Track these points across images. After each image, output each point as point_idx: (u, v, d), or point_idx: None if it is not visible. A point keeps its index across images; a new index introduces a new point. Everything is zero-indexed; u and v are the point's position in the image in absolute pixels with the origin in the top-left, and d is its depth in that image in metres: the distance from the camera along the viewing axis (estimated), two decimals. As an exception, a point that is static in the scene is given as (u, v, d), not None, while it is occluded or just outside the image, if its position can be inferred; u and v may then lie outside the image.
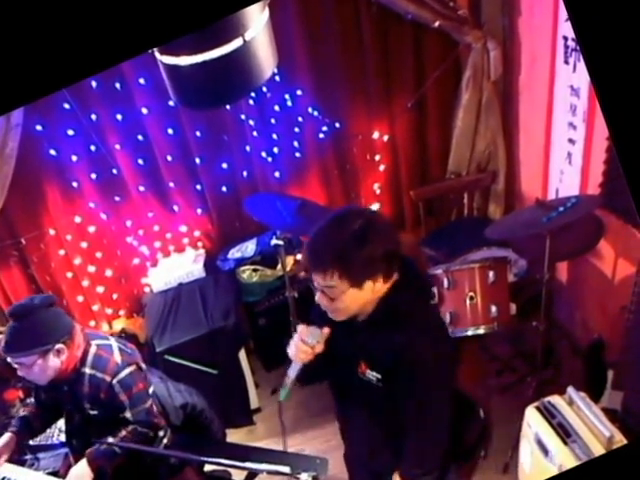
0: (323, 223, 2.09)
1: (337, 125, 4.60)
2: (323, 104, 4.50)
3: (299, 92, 4.43)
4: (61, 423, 3.35)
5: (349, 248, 2.00)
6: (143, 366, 3.08)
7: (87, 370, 2.89)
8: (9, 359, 2.81)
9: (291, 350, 2.26)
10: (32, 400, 3.34)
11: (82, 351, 2.90)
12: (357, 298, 2.10)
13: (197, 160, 4.46)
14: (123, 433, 2.91)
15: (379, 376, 2.23)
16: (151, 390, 3.09)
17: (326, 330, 2.22)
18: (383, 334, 2.19)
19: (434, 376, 2.19)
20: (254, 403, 4.48)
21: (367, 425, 2.45)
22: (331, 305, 2.13)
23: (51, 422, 3.31)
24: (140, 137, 4.30)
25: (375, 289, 2.10)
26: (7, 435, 3.05)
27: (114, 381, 2.87)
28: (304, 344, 2.22)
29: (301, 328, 2.25)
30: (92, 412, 2.94)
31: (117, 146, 4.27)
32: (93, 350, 2.93)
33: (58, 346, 2.79)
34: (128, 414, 2.92)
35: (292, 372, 2.28)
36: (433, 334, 2.24)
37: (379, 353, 2.21)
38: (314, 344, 2.22)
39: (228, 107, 4.30)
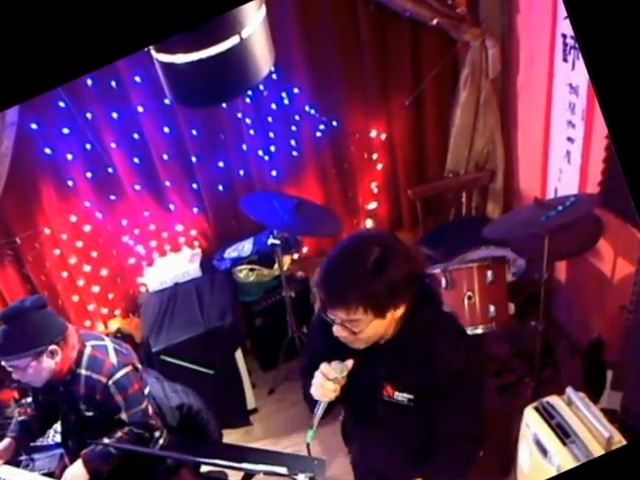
0: (337, 256, 2.02)
1: (334, 123, 4.58)
2: (320, 102, 4.48)
3: (296, 90, 4.41)
4: (56, 424, 3.34)
5: (372, 281, 1.93)
6: (139, 366, 3.07)
7: (82, 371, 2.88)
8: (2, 362, 2.80)
9: (317, 391, 2.16)
10: (27, 401, 3.39)
11: (77, 352, 2.89)
12: (380, 327, 2.05)
13: (193, 159, 4.44)
14: (118, 434, 2.91)
15: (411, 396, 2.17)
16: (147, 391, 3.08)
17: (350, 362, 2.14)
18: (410, 353, 2.15)
19: (471, 385, 2.17)
20: (251, 404, 4.46)
21: (391, 444, 2.40)
22: (353, 337, 2.06)
23: (50, 424, 3.31)
24: (136, 136, 4.27)
25: (396, 315, 2.06)
26: (6, 440, 3.06)
27: (110, 382, 2.86)
28: (331, 382, 2.13)
29: (324, 367, 2.15)
30: (88, 413, 2.94)
31: (113, 145, 4.24)
32: (88, 351, 2.92)
33: (51, 347, 2.78)
34: (124, 415, 2.91)
35: (319, 411, 2.18)
36: (463, 342, 2.23)
37: (410, 373, 2.15)
38: (340, 380, 2.14)
39: (224, 105, 4.28)
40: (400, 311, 2.06)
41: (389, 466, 2.49)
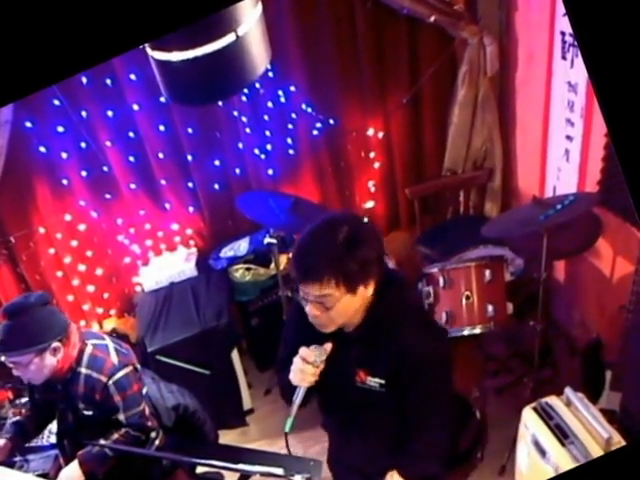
0: (308, 234, 2.10)
1: (331, 122, 4.57)
2: (317, 100, 4.47)
3: (293, 88, 4.40)
4: (51, 425, 3.32)
5: (344, 253, 2.01)
6: (139, 367, 3.07)
7: (83, 370, 2.87)
8: (3, 358, 2.80)
9: (296, 376, 2.21)
10: (22, 402, 3.39)
11: (78, 350, 2.89)
12: (350, 305, 2.11)
13: (189, 157, 4.42)
14: (115, 436, 2.91)
15: (382, 381, 2.23)
16: (144, 391, 3.07)
17: (328, 346, 2.20)
18: (381, 338, 2.20)
19: (440, 371, 2.24)
20: (247, 404, 4.46)
21: (366, 431, 2.43)
22: (324, 315, 2.11)
23: (45, 424, 3.30)
24: (131, 134, 4.25)
25: (365, 294, 2.13)
26: (1, 441, 3.05)
27: (110, 382, 2.85)
28: (310, 366, 2.18)
29: (303, 351, 2.20)
30: (86, 413, 2.93)
31: (108, 143, 4.22)
32: (89, 350, 2.92)
33: (55, 344, 2.77)
34: (121, 416, 2.91)
35: (298, 398, 2.20)
36: (432, 330, 2.32)
37: (380, 358, 2.21)
38: (319, 363, 2.19)
39: (220, 104, 4.26)
40: (370, 290, 2.14)
41: (365, 459, 2.51)
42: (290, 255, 4.63)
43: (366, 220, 2.27)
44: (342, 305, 2.08)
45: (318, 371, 2.19)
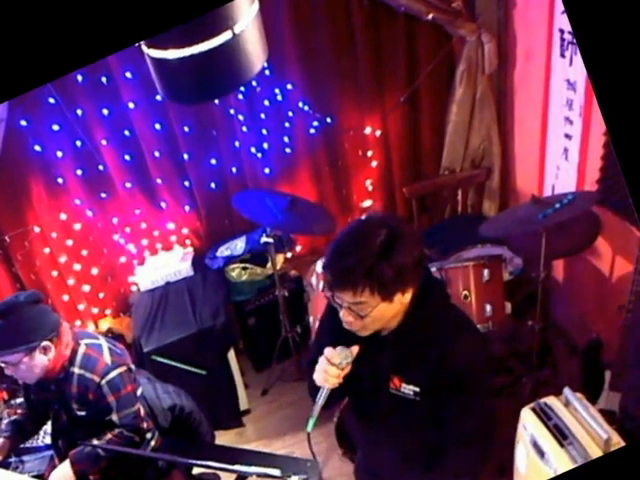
0: (344, 238, 2.01)
1: (328, 120, 4.56)
2: (314, 98, 4.47)
3: (289, 86, 4.39)
4: (47, 425, 3.30)
5: (379, 261, 1.92)
6: (133, 367, 3.04)
7: (76, 370, 2.85)
8: None
9: (319, 376, 2.14)
10: (16, 402, 3.38)
11: (71, 350, 2.86)
12: (387, 312, 2.03)
13: (185, 156, 4.41)
14: (108, 437, 2.88)
15: (417, 389, 2.14)
16: (139, 392, 3.04)
17: (355, 348, 2.13)
18: (419, 344, 2.13)
19: (481, 381, 2.16)
20: (243, 404, 4.45)
21: (398, 441, 2.36)
22: (359, 322, 2.04)
23: (42, 423, 3.28)
24: (127, 132, 4.25)
25: (403, 300, 2.04)
26: (0, 441, 3.03)
27: (102, 382, 2.83)
28: (335, 367, 2.11)
29: (328, 351, 2.13)
30: (80, 413, 2.90)
31: (103, 142, 4.22)
32: (82, 349, 2.89)
33: (44, 343, 2.74)
34: (114, 417, 2.88)
35: (321, 399, 2.16)
36: (474, 336, 2.21)
37: (417, 365, 2.13)
38: (344, 365, 2.12)
39: (217, 102, 4.26)
40: (408, 296, 2.04)
41: (394, 470, 2.46)
42: (287, 254, 4.65)
43: (404, 222, 2.18)
44: (377, 312, 2.00)
45: (343, 373, 2.13)
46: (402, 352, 2.15)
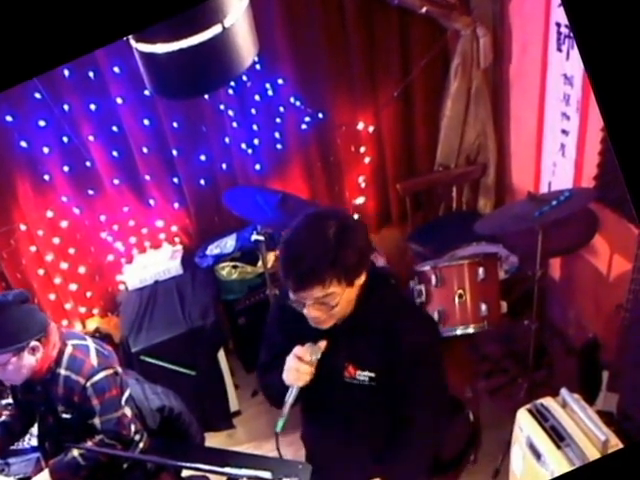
0: (296, 237, 2.07)
1: (320, 115, 4.53)
2: (306, 94, 4.44)
3: (280, 81, 4.36)
4: (33, 427, 3.29)
5: (340, 249, 2.00)
6: (119, 370, 3.01)
7: (62, 371, 2.83)
8: None
9: (291, 375, 2.22)
10: (2, 403, 3.33)
11: (57, 351, 2.84)
12: (350, 297, 2.13)
13: (174, 152, 4.38)
14: (89, 444, 2.85)
15: (372, 375, 2.23)
16: (125, 397, 3.00)
17: (323, 343, 2.21)
18: (370, 330, 2.22)
19: (433, 361, 2.27)
20: (234, 406, 4.43)
21: (352, 435, 2.41)
22: (327, 314, 2.12)
23: (31, 424, 3.25)
24: (115, 128, 4.21)
25: (359, 283, 2.13)
26: None
27: (88, 384, 2.80)
28: (307, 364, 2.20)
29: (298, 349, 2.21)
30: (65, 415, 2.89)
31: (91, 137, 4.18)
32: (69, 350, 2.87)
33: (33, 344, 2.72)
34: (97, 420, 2.84)
35: (291, 398, 2.23)
36: (422, 318, 2.38)
37: (370, 350, 2.22)
38: (314, 361, 2.20)
39: (206, 97, 4.23)
40: (362, 278, 2.13)
41: (349, 467, 2.47)
42: (277, 255, 4.61)
43: (345, 212, 2.27)
44: (344, 299, 2.09)
45: (313, 369, 2.20)
46: (355, 340, 2.23)
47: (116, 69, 4.01)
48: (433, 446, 2.41)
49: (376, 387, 2.23)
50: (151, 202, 4.52)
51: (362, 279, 2.13)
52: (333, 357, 2.24)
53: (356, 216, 4.85)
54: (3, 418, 3.14)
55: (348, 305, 2.15)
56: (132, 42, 2.24)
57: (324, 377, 2.26)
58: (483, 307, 3.54)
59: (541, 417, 2.96)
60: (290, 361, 2.21)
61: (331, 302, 2.06)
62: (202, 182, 4.53)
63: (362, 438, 2.40)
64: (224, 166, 4.53)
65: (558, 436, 2.85)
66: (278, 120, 4.48)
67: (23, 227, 4.23)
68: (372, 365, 2.22)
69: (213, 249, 4.57)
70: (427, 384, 2.24)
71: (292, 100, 4.43)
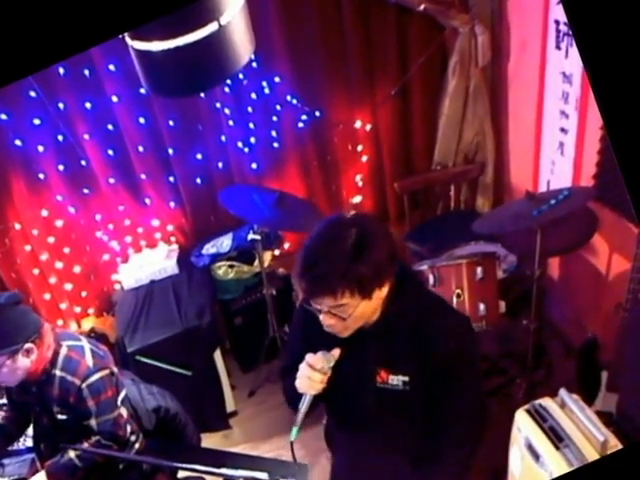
0: (314, 244, 2.02)
1: (317, 114, 4.52)
2: (302, 92, 4.43)
3: (277, 79, 4.35)
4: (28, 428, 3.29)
5: (354, 262, 1.94)
6: (115, 370, 3.01)
7: (57, 372, 2.82)
8: None
9: (303, 383, 2.17)
10: (0, 403, 3.30)
11: (52, 352, 2.83)
12: (367, 309, 2.07)
13: (170, 151, 4.37)
14: (85, 445, 2.85)
15: (406, 379, 2.17)
16: (121, 398, 3.00)
17: (337, 351, 2.16)
18: (403, 333, 2.16)
19: (470, 362, 2.22)
20: (230, 406, 4.42)
21: (386, 442, 2.35)
22: (341, 324, 2.07)
23: (26, 426, 3.24)
24: (110, 127, 4.20)
25: (381, 294, 2.07)
26: None
27: (83, 385, 2.80)
28: (318, 373, 2.14)
29: (310, 357, 2.16)
30: (60, 417, 2.88)
31: (86, 136, 4.17)
32: (64, 351, 2.86)
33: (27, 345, 2.71)
34: (93, 422, 2.84)
35: (304, 407, 2.18)
36: (457, 318, 2.28)
37: (403, 354, 2.16)
38: (327, 370, 2.15)
39: (202, 95, 4.22)
40: (385, 290, 2.07)
41: (382, 476, 2.42)
42: (275, 252, 4.62)
43: (370, 219, 2.18)
44: (359, 312, 2.03)
45: (326, 378, 2.16)
46: (386, 344, 2.17)
47: (112, 67, 4.00)
48: (470, 457, 2.32)
49: (411, 392, 2.17)
50: (147, 201, 4.51)
51: (384, 291, 2.07)
52: (362, 362, 2.20)
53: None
54: (-1, 421, 3.15)
55: (369, 314, 2.10)
56: (128, 40, 2.24)
57: (353, 383, 2.23)
58: (481, 307, 3.53)
59: (540, 417, 2.93)
60: (302, 369, 2.17)
61: (343, 314, 2.02)
62: (198, 181, 4.52)
63: (396, 445, 2.34)
64: (220, 165, 4.52)
65: (557, 437, 2.82)
66: (275, 118, 4.47)
67: (18, 226, 4.23)
68: (406, 369, 2.16)
69: (209, 248, 4.55)
70: (464, 391, 2.19)
71: (289, 98, 4.42)
